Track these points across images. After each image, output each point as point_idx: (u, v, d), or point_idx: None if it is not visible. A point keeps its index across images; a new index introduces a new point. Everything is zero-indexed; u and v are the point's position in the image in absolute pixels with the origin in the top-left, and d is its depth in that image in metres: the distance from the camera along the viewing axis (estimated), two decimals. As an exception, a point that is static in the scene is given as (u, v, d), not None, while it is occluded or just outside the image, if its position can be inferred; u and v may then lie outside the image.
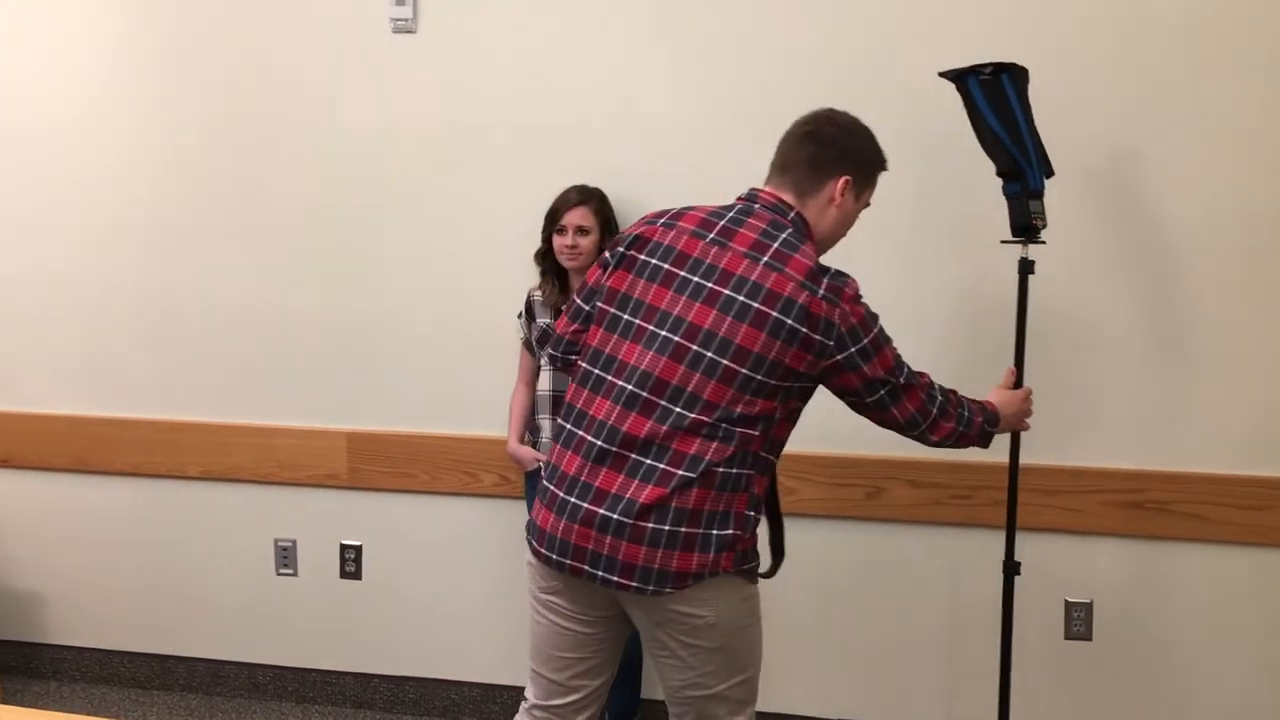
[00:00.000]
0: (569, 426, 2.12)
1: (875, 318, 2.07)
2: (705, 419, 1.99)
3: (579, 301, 2.23)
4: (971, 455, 3.03)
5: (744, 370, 1.99)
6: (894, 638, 3.18)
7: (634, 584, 2.00)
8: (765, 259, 2.02)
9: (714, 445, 1.99)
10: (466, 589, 3.41)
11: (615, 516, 2.00)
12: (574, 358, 2.21)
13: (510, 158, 3.22)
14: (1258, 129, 2.84)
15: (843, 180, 2.15)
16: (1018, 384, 2.58)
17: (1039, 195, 2.57)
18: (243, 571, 3.55)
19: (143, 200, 3.48)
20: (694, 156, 3.13)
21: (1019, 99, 2.54)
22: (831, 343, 2.01)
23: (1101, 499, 3.00)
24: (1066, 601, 3.07)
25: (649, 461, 2.00)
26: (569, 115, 3.19)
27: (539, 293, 3.06)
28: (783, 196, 2.15)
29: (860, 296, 2.06)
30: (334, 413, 3.42)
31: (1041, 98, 2.82)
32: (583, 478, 2.04)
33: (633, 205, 3.09)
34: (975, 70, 2.55)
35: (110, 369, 3.56)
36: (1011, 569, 2.70)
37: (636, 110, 3.16)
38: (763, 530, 2.19)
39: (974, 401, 2.29)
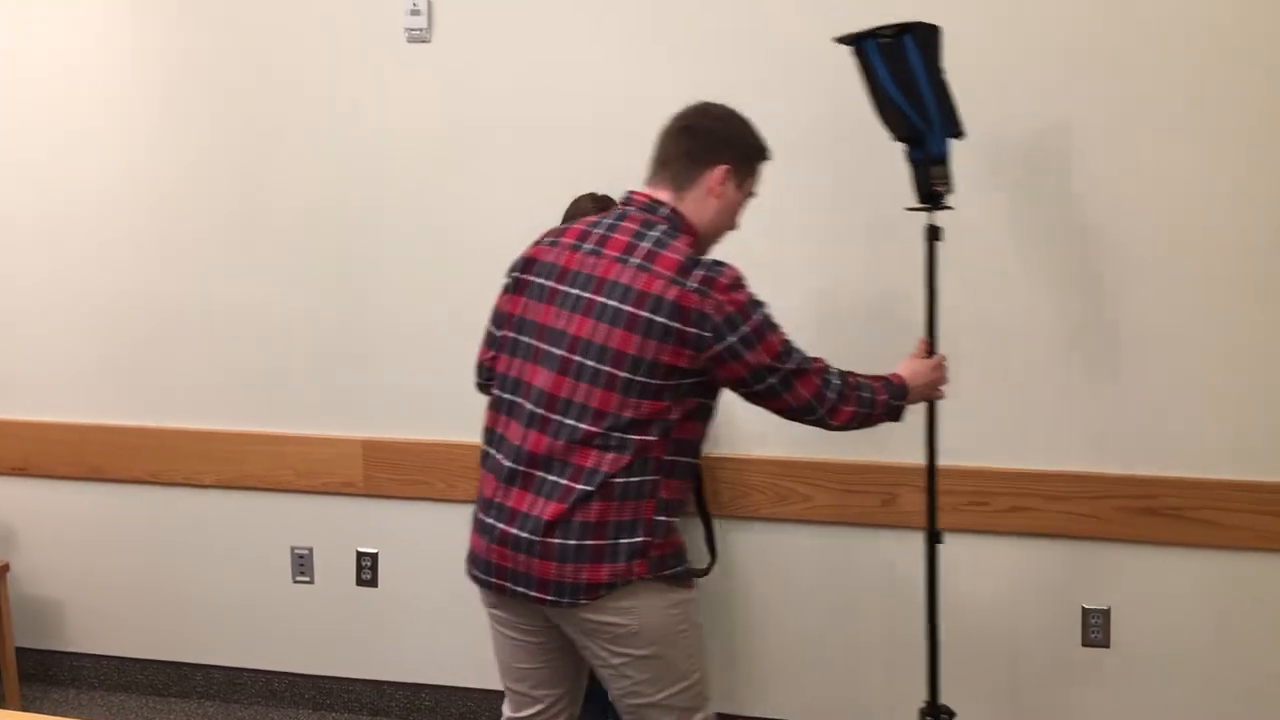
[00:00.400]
0: (490, 450, 2.15)
1: (758, 304, 2.05)
2: (596, 429, 2.00)
3: (490, 327, 2.26)
4: (991, 462, 3.04)
5: (623, 374, 1.99)
6: (909, 645, 3.17)
7: (549, 598, 2.03)
8: (635, 260, 2.03)
9: (609, 456, 2.00)
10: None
11: (525, 535, 2.03)
12: (493, 383, 2.22)
13: (529, 162, 3.24)
14: (1258, 126, 2.83)
15: (720, 170, 2.14)
16: (931, 353, 2.55)
17: (942, 160, 2.53)
18: (259, 579, 3.57)
19: (155, 209, 3.50)
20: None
21: (923, 60, 2.48)
22: (709, 334, 1.99)
23: (1116, 504, 2.99)
24: (1083, 608, 3.06)
25: (552, 478, 2.02)
26: (581, 118, 3.19)
27: None
28: (657, 195, 2.14)
29: (739, 284, 2.04)
30: (350, 420, 3.43)
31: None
32: (497, 499, 2.08)
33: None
34: (874, 34, 2.49)
35: (125, 377, 3.58)
36: (934, 537, 2.69)
37: (646, 114, 3.16)
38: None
39: (876, 379, 2.25)
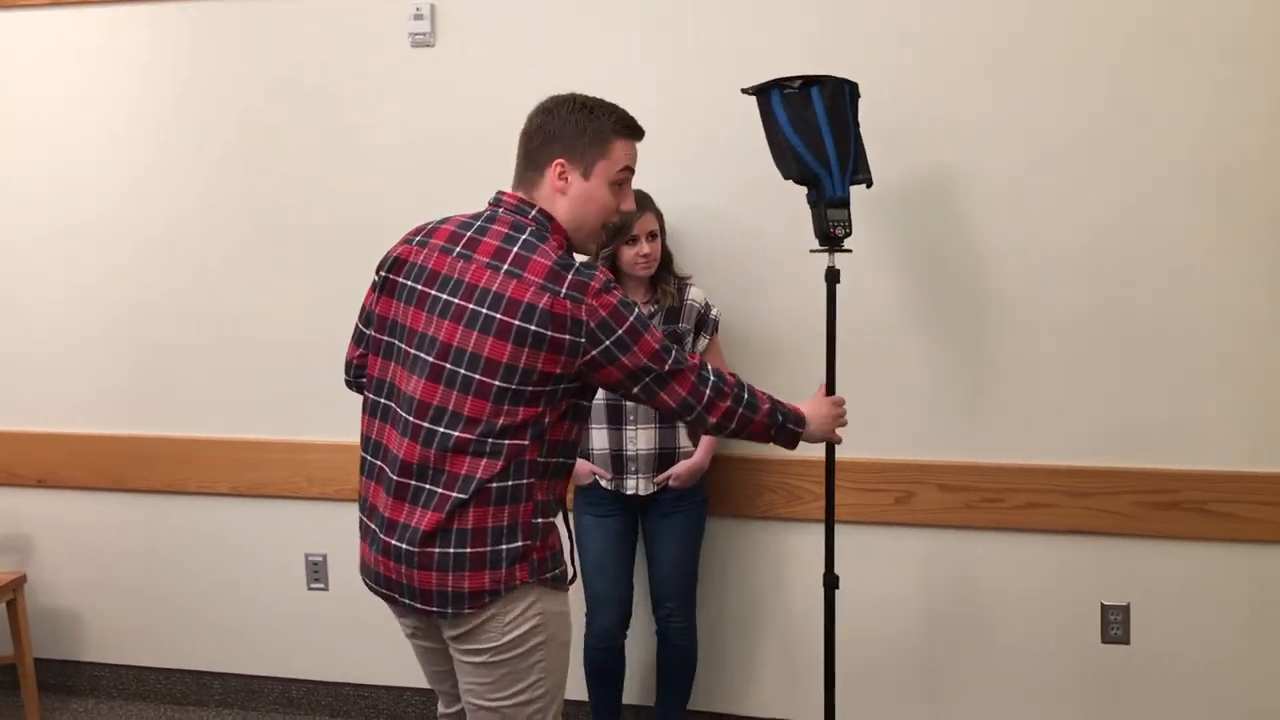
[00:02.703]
0: (368, 457, 2.13)
1: (630, 306, 2.02)
2: (469, 436, 1.97)
3: (359, 324, 2.23)
4: (1004, 458, 3.01)
5: (496, 382, 1.96)
6: (926, 643, 3.14)
7: (434, 609, 2.02)
8: (505, 267, 1.99)
9: (483, 463, 1.97)
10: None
11: (404, 546, 2.00)
12: (364, 382, 2.20)
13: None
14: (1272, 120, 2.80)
15: (555, 165, 2.08)
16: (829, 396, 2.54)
17: (840, 204, 2.58)
18: (275, 586, 3.57)
19: (172, 222, 3.52)
20: (713, 163, 3.13)
21: (828, 111, 2.55)
22: (583, 340, 1.97)
23: (1136, 499, 2.95)
24: (1102, 605, 3.02)
25: (428, 487, 1.99)
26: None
27: None
28: (523, 195, 2.12)
29: (610, 287, 2.00)
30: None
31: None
32: (379, 508, 2.07)
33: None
34: (780, 84, 2.58)
35: (140, 388, 3.59)
36: (831, 582, 2.71)
37: (654, 117, 3.15)
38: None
39: (768, 396, 2.21)
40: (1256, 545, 2.91)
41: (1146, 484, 2.94)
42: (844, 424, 2.45)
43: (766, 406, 2.18)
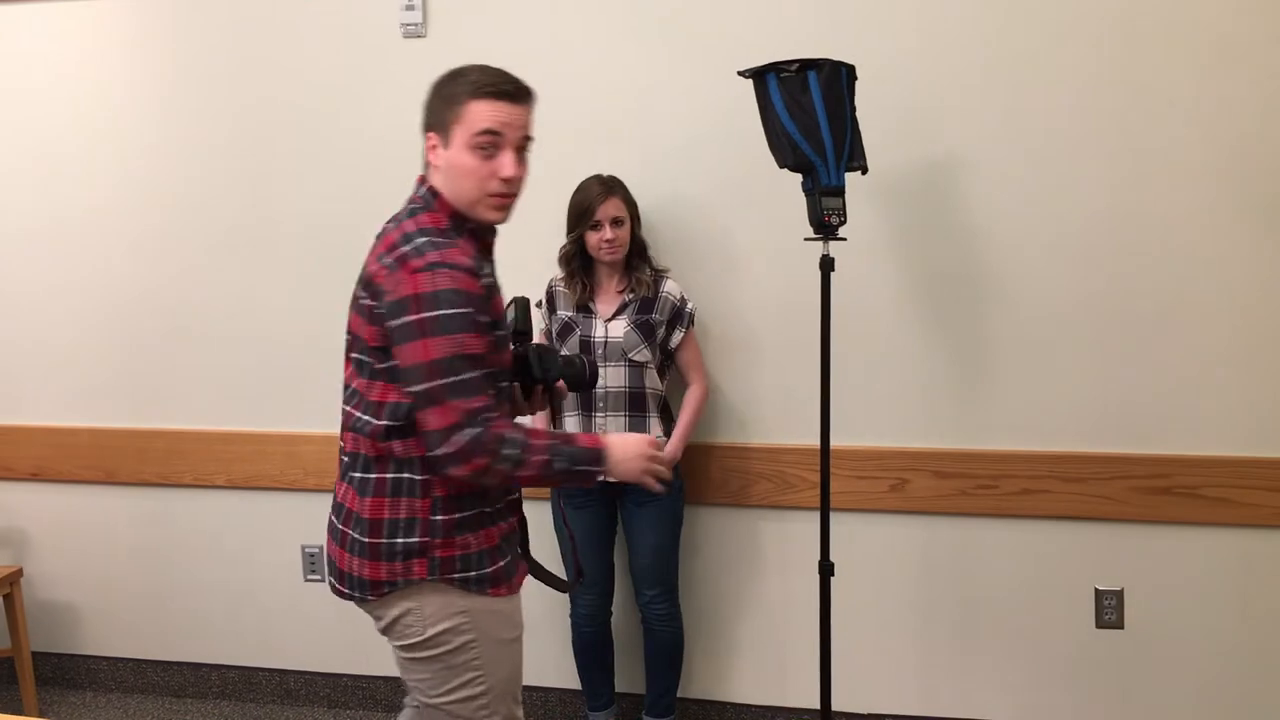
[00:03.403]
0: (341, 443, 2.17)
1: (441, 299, 1.84)
2: (348, 409, 2.02)
3: None
4: (998, 444, 3.02)
5: (353, 354, 2.01)
6: (917, 630, 3.15)
7: (345, 590, 2.04)
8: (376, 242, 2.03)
9: (349, 437, 2.02)
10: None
11: (333, 519, 2.07)
12: None
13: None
14: (1256, 112, 2.79)
15: (427, 139, 2.03)
16: (824, 385, 2.53)
17: (836, 192, 2.58)
18: (272, 578, 3.57)
19: (163, 214, 3.51)
20: (704, 153, 3.12)
21: (824, 96, 2.54)
22: (382, 310, 1.90)
23: (1130, 484, 2.96)
24: (1096, 589, 3.03)
25: (344, 460, 2.06)
26: (579, 112, 3.18)
27: (561, 283, 3.03)
28: (422, 174, 2.07)
29: (431, 269, 1.85)
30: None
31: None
32: (338, 490, 2.11)
33: (644, 203, 3.08)
34: (777, 68, 2.57)
35: (136, 381, 3.59)
36: (827, 569, 2.70)
37: (645, 107, 3.15)
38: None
39: (552, 440, 1.92)
40: (1250, 530, 2.92)
41: (1140, 469, 2.95)
42: (658, 473, 2.03)
43: (540, 459, 1.89)
